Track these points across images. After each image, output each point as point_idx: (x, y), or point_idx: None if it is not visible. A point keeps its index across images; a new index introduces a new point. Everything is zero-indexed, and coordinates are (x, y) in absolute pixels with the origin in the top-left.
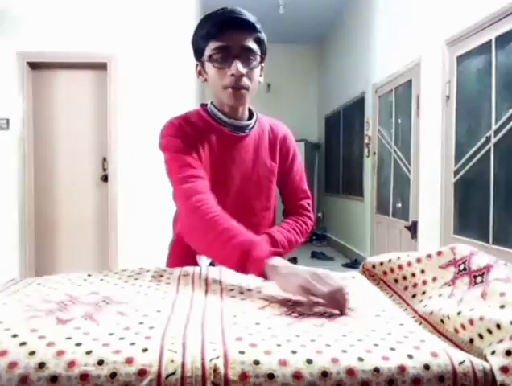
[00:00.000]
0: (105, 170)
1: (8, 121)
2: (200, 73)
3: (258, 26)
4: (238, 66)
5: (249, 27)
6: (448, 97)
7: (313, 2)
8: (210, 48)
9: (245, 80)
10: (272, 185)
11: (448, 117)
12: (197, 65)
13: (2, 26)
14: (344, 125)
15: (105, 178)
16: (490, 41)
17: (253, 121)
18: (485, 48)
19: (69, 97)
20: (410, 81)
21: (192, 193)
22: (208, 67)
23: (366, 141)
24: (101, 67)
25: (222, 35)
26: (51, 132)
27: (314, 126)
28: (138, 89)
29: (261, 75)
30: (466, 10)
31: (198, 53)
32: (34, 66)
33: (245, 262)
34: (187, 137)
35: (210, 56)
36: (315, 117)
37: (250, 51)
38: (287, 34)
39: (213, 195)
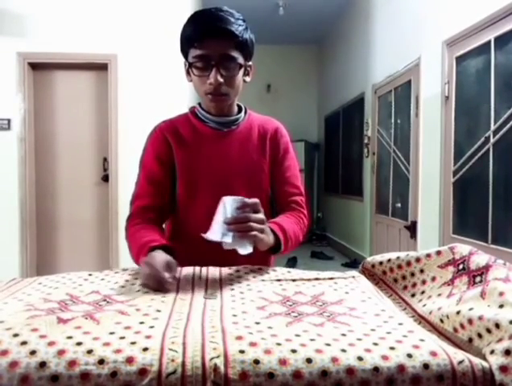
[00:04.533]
0: (105, 170)
1: (9, 121)
2: (187, 72)
3: (240, 30)
4: (217, 76)
5: (229, 35)
6: (447, 98)
7: (312, 3)
8: (191, 56)
9: (224, 88)
10: (261, 180)
11: (447, 118)
12: (185, 64)
13: (3, 26)
14: (344, 125)
15: (105, 178)
16: (489, 41)
17: (240, 116)
18: (484, 49)
19: (70, 98)
20: (409, 81)
21: (134, 214)
22: (191, 72)
23: (366, 141)
24: (102, 67)
25: (202, 44)
26: (52, 132)
27: (314, 126)
28: (139, 90)
29: (248, 74)
30: (465, 10)
31: (184, 53)
32: (34, 66)
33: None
34: (164, 146)
35: (191, 64)
36: (314, 118)
37: (230, 58)
38: (287, 35)
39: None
